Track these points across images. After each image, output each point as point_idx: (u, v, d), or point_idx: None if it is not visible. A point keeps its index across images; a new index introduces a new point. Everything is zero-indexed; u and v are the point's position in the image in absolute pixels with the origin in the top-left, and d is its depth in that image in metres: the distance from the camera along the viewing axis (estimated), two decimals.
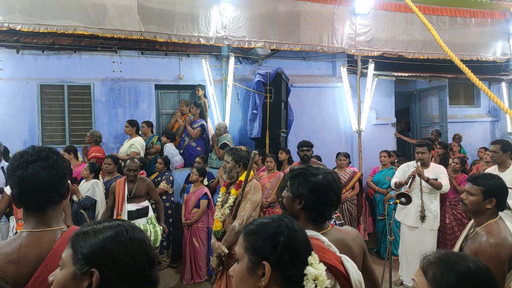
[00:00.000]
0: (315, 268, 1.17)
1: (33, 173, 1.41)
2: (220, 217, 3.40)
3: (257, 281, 1.14)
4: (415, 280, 1.21)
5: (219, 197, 3.56)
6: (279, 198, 4.97)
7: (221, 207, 3.43)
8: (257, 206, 3.43)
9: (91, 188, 4.66)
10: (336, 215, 4.08)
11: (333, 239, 1.63)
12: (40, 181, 1.41)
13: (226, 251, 3.18)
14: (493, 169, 4.23)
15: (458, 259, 1.16)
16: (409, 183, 4.44)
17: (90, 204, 4.61)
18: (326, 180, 1.69)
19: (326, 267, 1.44)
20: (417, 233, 4.72)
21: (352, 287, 1.47)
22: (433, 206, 4.70)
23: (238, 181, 3.40)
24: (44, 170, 1.42)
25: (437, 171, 4.69)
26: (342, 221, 5.54)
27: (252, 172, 3.51)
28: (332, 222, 3.59)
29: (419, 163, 4.61)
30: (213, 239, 3.37)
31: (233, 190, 3.46)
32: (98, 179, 4.82)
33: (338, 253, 1.53)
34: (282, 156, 5.95)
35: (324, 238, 1.57)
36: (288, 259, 1.15)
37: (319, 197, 1.66)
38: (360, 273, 1.53)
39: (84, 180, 4.84)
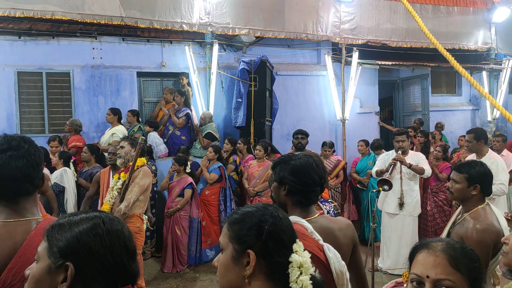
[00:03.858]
0: (300, 256, 1.16)
1: (2, 164, 1.37)
2: (109, 200, 3.52)
3: (242, 270, 1.14)
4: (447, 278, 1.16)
5: (112, 184, 3.67)
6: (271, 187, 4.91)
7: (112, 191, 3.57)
8: (146, 191, 3.59)
9: (59, 175, 4.63)
10: (333, 204, 4.09)
11: (319, 227, 1.63)
12: (11, 171, 1.38)
13: None
14: (471, 157, 4.30)
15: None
16: (390, 170, 4.49)
17: (58, 191, 4.57)
18: (305, 161, 1.72)
19: None
20: (396, 220, 4.78)
21: (333, 276, 1.46)
22: (414, 192, 4.75)
23: (129, 165, 3.54)
24: (14, 160, 1.39)
25: (416, 158, 4.74)
26: (339, 210, 5.57)
27: (144, 160, 3.70)
28: (331, 211, 3.62)
29: (399, 151, 4.66)
30: None
31: (122, 174, 3.59)
32: (68, 166, 4.77)
33: (321, 241, 1.52)
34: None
35: (307, 225, 1.57)
36: (273, 247, 1.14)
37: (300, 178, 1.69)
38: (344, 263, 1.52)
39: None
